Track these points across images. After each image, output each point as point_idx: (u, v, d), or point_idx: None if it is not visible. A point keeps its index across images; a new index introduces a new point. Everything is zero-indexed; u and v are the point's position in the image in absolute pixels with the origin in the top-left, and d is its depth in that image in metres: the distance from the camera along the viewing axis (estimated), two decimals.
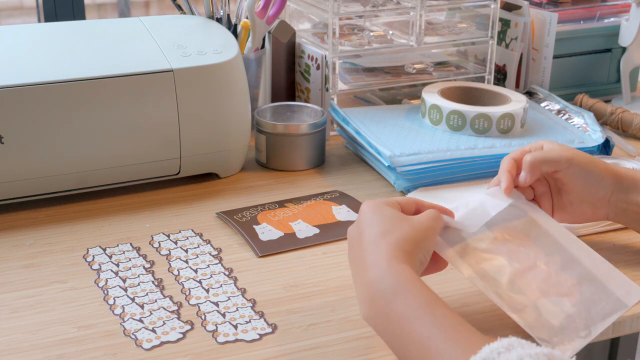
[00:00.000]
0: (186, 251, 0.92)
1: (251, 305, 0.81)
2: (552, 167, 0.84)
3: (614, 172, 0.85)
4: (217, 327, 0.77)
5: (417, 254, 0.73)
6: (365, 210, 0.75)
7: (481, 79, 1.34)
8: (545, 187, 0.86)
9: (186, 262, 0.89)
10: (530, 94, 1.33)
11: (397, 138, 1.11)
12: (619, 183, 0.85)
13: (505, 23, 1.38)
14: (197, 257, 0.90)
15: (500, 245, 0.79)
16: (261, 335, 0.76)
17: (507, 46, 1.38)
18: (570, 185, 0.85)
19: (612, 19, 1.42)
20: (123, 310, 0.80)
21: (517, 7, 1.36)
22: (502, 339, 0.62)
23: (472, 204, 0.82)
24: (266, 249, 0.92)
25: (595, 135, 1.14)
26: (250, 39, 1.22)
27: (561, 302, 0.74)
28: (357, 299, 0.72)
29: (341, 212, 1.00)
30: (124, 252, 0.91)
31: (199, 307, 0.81)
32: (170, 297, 0.82)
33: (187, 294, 0.83)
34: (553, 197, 0.86)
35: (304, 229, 0.96)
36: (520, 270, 0.77)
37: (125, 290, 0.84)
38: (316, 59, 1.24)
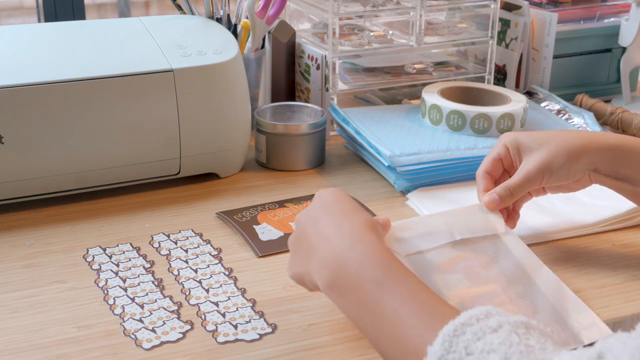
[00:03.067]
0: (186, 251, 0.92)
1: (251, 305, 0.81)
2: (531, 188, 0.86)
3: (591, 154, 0.84)
4: (217, 327, 0.77)
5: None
6: (326, 194, 0.76)
7: (481, 79, 1.34)
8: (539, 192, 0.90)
9: (186, 262, 0.89)
10: (530, 94, 1.33)
11: (397, 138, 1.11)
12: (599, 161, 0.84)
13: (505, 23, 1.38)
14: (197, 257, 0.90)
15: (460, 262, 0.79)
16: (261, 335, 0.76)
17: (507, 46, 1.38)
18: (549, 185, 0.87)
19: (612, 19, 1.42)
20: (123, 310, 0.80)
21: (517, 7, 1.36)
22: (479, 307, 0.61)
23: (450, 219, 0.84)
24: (266, 249, 0.92)
25: None
26: (250, 39, 1.22)
27: None
28: (313, 270, 0.71)
29: None
30: (124, 252, 0.91)
31: (199, 307, 0.81)
32: (170, 297, 0.82)
33: (187, 294, 0.83)
34: (533, 191, 0.89)
35: None
36: (472, 290, 0.77)
37: (125, 290, 0.84)
38: (316, 59, 1.24)
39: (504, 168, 0.88)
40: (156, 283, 0.85)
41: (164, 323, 0.78)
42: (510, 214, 0.88)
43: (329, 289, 0.69)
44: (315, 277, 0.71)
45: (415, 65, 1.31)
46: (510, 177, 0.87)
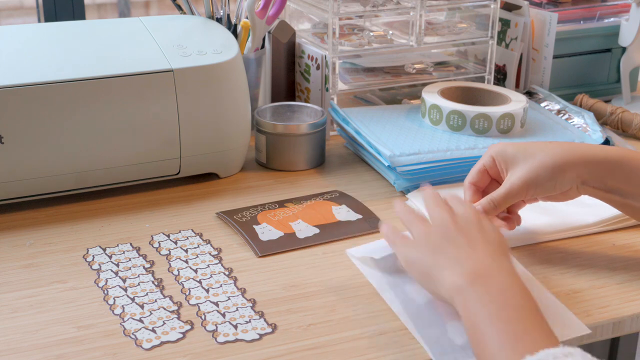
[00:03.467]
0: (186, 251, 0.92)
1: (251, 305, 0.81)
2: (515, 201, 0.86)
3: (577, 167, 0.84)
4: (217, 327, 0.77)
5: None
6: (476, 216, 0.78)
7: (481, 79, 1.34)
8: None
9: (186, 262, 0.89)
10: (530, 94, 1.33)
11: (397, 138, 1.11)
12: (586, 174, 0.84)
13: (505, 23, 1.38)
14: (197, 257, 0.90)
15: None
16: (261, 335, 0.76)
17: (507, 46, 1.38)
18: (537, 196, 0.88)
19: (612, 19, 1.42)
20: (123, 310, 0.80)
21: (517, 7, 1.36)
22: (564, 346, 0.62)
23: None
24: (266, 249, 0.92)
25: (595, 135, 1.14)
26: (250, 39, 1.22)
27: None
28: (447, 266, 0.73)
29: (341, 212, 1.00)
30: (124, 252, 0.91)
31: (199, 307, 0.81)
32: (170, 297, 0.82)
33: (187, 294, 0.83)
34: (525, 199, 0.89)
35: (304, 229, 0.96)
36: None
37: (125, 290, 0.84)
38: (316, 59, 1.24)
39: (492, 177, 0.90)
40: (156, 283, 0.85)
41: (164, 323, 0.78)
42: (507, 218, 0.88)
43: (455, 293, 0.71)
44: (446, 275, 0.73)
45: (415, 65, 1.31)
46: (500, 185, 0.88)
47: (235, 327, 0.77)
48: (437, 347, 0.72)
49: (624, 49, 1.39)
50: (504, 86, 1.39)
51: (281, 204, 1.03)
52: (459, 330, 0.74)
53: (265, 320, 0.78)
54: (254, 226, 0.96)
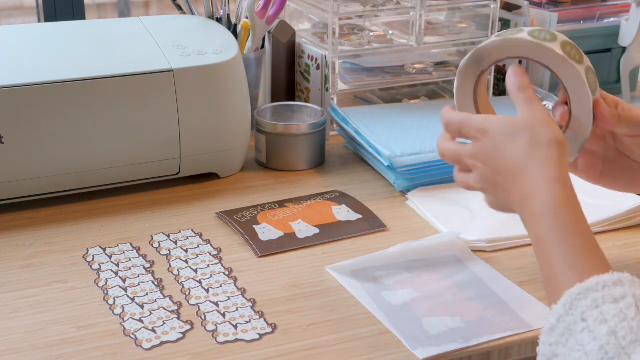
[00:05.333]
0: (186, 251, 0.92)
1: (251, 305, 0.81)
2: (631, 132, 0.80)
3: None
4: (217, 327, 0.77)
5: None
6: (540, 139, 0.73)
7: None
8: (600, 147, 0.83)
9: (186, 262, 0.89)
10: None
11: (397, 138, 1.11)
12: None
13: (505, 23, 1.38)
14: (197, 257, 0.90)
15: (412, 280, 0.85)
16: (261, 335, 0.76)
17: None
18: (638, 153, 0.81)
19: (612, 19, 1.42)
20: (123, 310, 0.80)
21: (517, 7, 1.36)
22: (614, 272, 0.63)
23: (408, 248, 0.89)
24: (266, 249, 0.92)
25: None
26: (250, 39, 1.22)
27: (451, 319, 0.78)
28: (502, 187, 0.74)
29: (341, 212, 1.00)
30: (124, 252, 0.91)
31: (199, 307, 0.81)
32: (170, 297, 0.82)
33: (187, 294, 0.83)
34: (607, 161, 0.83)
35: (304, 229, 0.96)
36: (419, 297, 0.82)
37: (125, 290, 0.84)
38: (316, 59, 1.24)
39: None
40: (156, 283, 0.85)
41: (164, 323, 0.78)
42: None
43: (521, 208, 0.72)
44: (512, 204, 0.74)
45: (415, 65, 1.31)
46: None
47: (235, 327, 0.77)
48: (413, 339, 0.75)
49: (624, 49, 1.39)
50: (504, 86, 1.39)
51: (281, 204, 1.03)
52: (433, 324, 0.77)
53: (265, 320, 0.78)
54: (254, 226, 0.96)
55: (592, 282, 0.62)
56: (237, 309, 0.80)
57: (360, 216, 0.99)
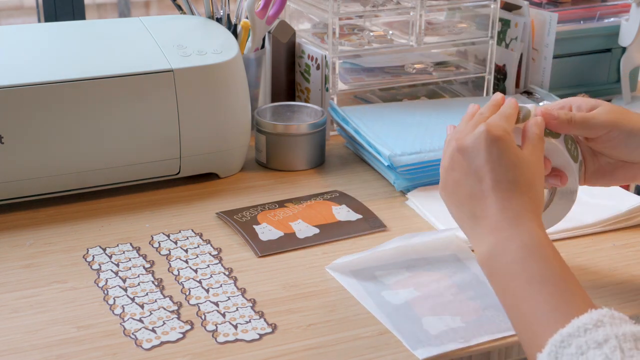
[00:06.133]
0: (186, 251, 0.92)
1: (251, 305, 0.81)
2: (589, 134, 0.80)
3: None
4: (217, 327, 0.77)
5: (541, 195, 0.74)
6: (495, 146, 0.72)
7: (481, 79, 1.34)
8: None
9: (186, 262, 0.89)
10: (528, 94, 1.33)
11: (397, 137, 1.11)
12: None
13: (505, 23, 1.38)
14: (197, 257, 0.90)
15: (412, 279, 0.85)
16: (261, 335, 0.76)
17: (507, 46, 1.38)
18: (609, 151, 0.81)
19: (612, 19, 1.42)
20: (123, 310, 0.80)
21: (517, 7, 1.36)
22: (592, 311, 0.62)
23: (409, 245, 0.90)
24: (266, 249, 0.92)
25: None
26: (250, 39, 1.22)
27: (451, 319, 0.78)
28: (470, 235, 0.74)
29: (341, 212, 1.00)
30: (124, 252, 0.91)
31: (198, 307, 0.81)
32: (170, 297, 0.82)
33: (187, 294, 0.83)
34: (587, 161, 0.83)
35: (304, 229, 0.96)
36: (419, 297, 0.82)
37: (125, 290, 0.84)
38: (316, 59, 1.24)
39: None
40: (156, 283, 0.85)
41: (164, 323, 0.78)
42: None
43: (481, 264, 0.72)
44: (472, 243, 0.73)
45: (415, 65, 1.31)
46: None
47: (235, 327, 0.77)
48: (413, 339, 0.75)
49: (624, 49, 1.39)
50: (504, 86, 1.39)
51: (281, 204, 1.03)
52: (433, 323, 0.77)
53: (265, 320, 0.78)
54: (254, 226, 0.96)
55: (574, 326, 0.61)
56: (237, 309, 0.80)
57: (360, 216, 0.99)
